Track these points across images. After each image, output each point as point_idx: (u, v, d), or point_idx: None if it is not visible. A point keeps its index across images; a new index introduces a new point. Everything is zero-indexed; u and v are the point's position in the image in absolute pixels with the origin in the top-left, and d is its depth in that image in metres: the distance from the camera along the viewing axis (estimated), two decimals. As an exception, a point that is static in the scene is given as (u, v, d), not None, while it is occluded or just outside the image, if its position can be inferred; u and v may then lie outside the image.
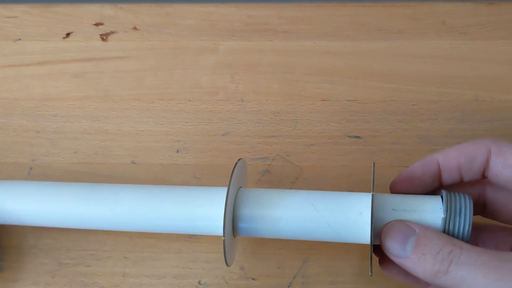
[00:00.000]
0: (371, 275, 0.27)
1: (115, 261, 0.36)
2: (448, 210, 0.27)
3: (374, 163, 0.29)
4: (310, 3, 0.42)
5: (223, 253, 0.29)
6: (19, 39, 0.42)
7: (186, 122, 0.39)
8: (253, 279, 0.36)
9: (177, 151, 0.39)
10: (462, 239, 0.27)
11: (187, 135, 0.39)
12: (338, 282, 0.35)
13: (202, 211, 0.31)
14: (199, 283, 0.36)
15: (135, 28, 0.42)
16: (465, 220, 0.27)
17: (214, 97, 0.40)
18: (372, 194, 0.28)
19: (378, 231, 0.28)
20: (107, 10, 0.42)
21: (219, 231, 0.29)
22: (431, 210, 0.28)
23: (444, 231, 0.27)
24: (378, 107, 0.39)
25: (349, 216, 0.29)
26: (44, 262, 0.36)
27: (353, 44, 0.41)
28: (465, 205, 0.27)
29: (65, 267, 0.36)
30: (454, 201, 0.28)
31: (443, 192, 0.29)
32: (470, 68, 0.39)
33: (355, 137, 0.38)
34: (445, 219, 0.27)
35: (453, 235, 0.27)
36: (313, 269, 0.35)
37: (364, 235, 0.29)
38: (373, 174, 0.29)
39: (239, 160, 0.32)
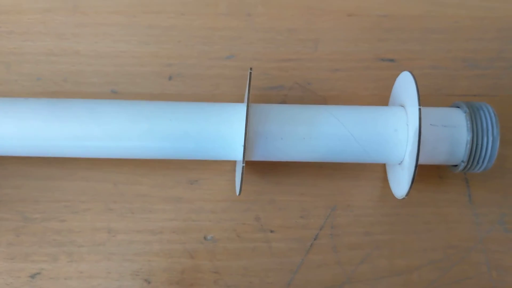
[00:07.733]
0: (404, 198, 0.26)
1: (97, 214, 0.29)
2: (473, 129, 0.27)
3: None
4: None
5: (239, 183, 0.25)
6: None
7: (179, 42, 0.32)
8: (271, 231, 0.29)
9: (169, 78, 0.31)
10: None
11: (181, 58, 0.31)
12: (373, 232, 0.29)
13: (214, 130, 0.26)
14: (205, 238, 0.29)
15: None
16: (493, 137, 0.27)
17: (214, 9, 0.32)
18: (419, 108, 0.25)
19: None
20: None
21: (235, 154, 0.26)
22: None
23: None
24: (415, 24, 0.32)
25: (381, 133, 0.26)
26: (5, 217, 0.29)
27: None
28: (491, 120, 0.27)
29: (33, 223, 0.29)
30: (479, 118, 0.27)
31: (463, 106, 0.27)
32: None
33: (389, 60, 0.32)
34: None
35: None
36: (343, 219, 0.30)
37: (398, 154, 0.27)
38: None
39: (251, 69, 0.26)
